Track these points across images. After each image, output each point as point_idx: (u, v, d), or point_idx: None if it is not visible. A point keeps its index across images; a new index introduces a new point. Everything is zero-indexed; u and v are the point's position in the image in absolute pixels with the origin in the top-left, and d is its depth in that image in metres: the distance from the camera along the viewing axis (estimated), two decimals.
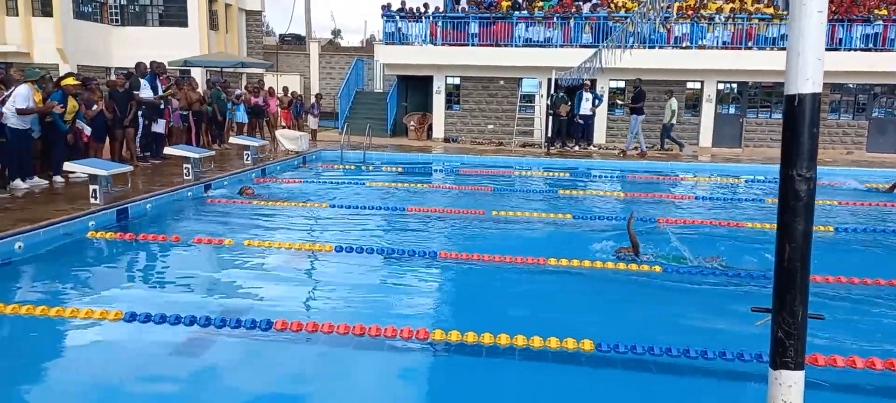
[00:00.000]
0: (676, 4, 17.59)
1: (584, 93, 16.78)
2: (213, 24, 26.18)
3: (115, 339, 4.32)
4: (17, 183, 8.62)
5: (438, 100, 19.51)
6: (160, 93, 11.87)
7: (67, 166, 8.47)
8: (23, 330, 4.45)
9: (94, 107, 10.22)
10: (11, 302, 4.71)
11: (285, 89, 19.38)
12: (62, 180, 9.26)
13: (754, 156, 16.51)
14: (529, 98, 19.04)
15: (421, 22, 18.95)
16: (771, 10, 18.36)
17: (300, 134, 15.41)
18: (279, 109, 18.50)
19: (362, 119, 18.76)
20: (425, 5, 19.48)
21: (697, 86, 18.76)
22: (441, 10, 19.67)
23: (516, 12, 18.68)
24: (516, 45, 18.40)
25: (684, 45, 17.91)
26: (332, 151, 14.93)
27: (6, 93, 8.40)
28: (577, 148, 16.94)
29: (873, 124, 18.37)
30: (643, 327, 4.67)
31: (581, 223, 8.23)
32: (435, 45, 18.78)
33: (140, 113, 11.41)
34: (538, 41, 18.37)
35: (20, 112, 8.32)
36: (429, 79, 19.53)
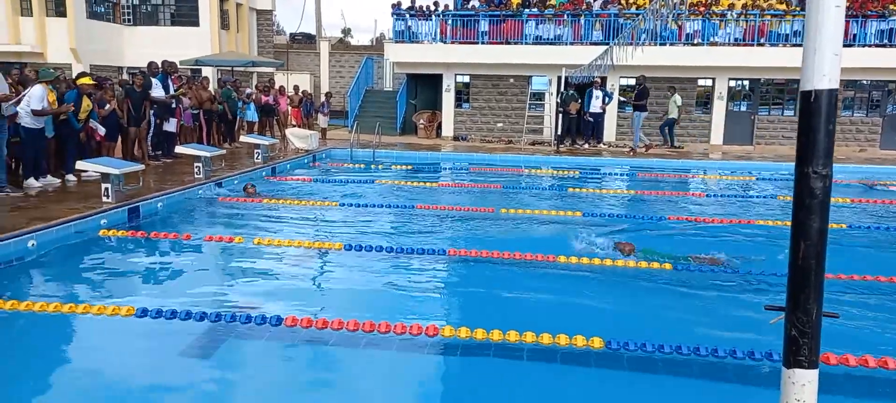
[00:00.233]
0: (688, 1, 17.46)
1: (595, 91, 16.70)
2: (224, 24, 26.30)
3: (126, 335, 4.35)
4: (31, 181, 8.71)
5: (448, 99, 19.49)
6: (172, 92, 11.95)
7: (80, 165, 8.54)
8: (36, 326, 4.49)
9: (107, 106, 10.30)
10: (25, 299, 4.75)
11: (296, 88, 19.45)
12: (75, 179, 9.34)
13: (766, 154, 16.37)
14: (539, 96, 18.98)
15: (431, 20, 18.94)
16: (783, 7, 18.19)
17: (310, 132, 15.45)
18: (290, 108, 18.56)
19: (372, 117, 18.78)
20: (435, 3, 19.46)
21: (709, 83, 18.63)
22: (451, 7, 19.64)
23: (526, 10, 18.62)
24: (526, 43, 18.35)
25: (696, 41, 17.78)
26: (341, 150, 14.96)
27: (22, 94, 8.48)
28: (586, 146, 16.87)
29: (887, 121, 18.15)
30: (653, 325, 4.64)
31: (591, 221, 8.20)
32: (445, 43, 18.76)
33: (152, 112, 11.49)
34: (548, 38, 18.30)
35: (35, 113, 8.40)
36: (438, 78, 19.51)
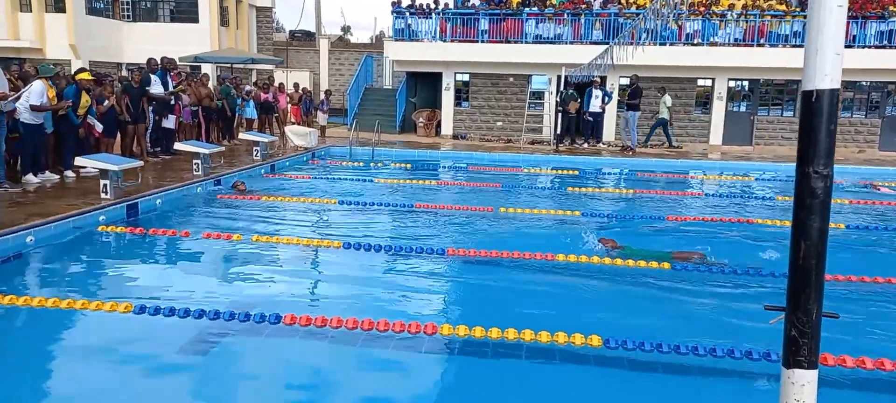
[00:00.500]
0: (688, 1, 17.46)
1: (594, 91, 16.70)
2: (223, 21, 26.27)
3: (124, 332, 4.34)
4: (30, 177, 8.69)
5: (447, 97, 19.48)
6: (171, 88, 11.93)
7: (78, 161, 8.53)
8: (34, 322, 4.49)
9: (106, 102, 10.29)
10: (23, 294, 4.75)
11: (296, 85, 19.43)
12: (73, 175, 9.32)
13: (765, 155, 16.39)
14: (539, 95, 18.98)
15: (430, 18, 18.93)
16: (783, 7, 18.20)
17: (309, 130, 15.44)
18: (289, 105, 18.55)
19: (371, 115, 18.77)
20: (435, 2, 19.45)
21: (708, 83, 18.64)
22: (451, 6, 19.63)
23: (526, 8, 18.61)
24: (526, 42, 18.34)
25: (696, 41, 17.78)
26: (341, 148, 14.95)
27: (22, 90, 8.46)
28: (586, 145, 16.88)
29: (887, 122, 18.17)
30: (652, 324, 4.64)
31: (589, 220, 8.20)
32: (444, 41, 18.75)
33: (151, 108, 11.47)
34: (548, 38, 18.29)
35: (33, 108, 8.39)
36: (438, 76, 19.50)
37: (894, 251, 7.10)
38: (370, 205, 8.70)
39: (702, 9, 17.94)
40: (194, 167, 10.04)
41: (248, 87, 17.01)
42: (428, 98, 20.35)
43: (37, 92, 8.40)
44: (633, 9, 17.98)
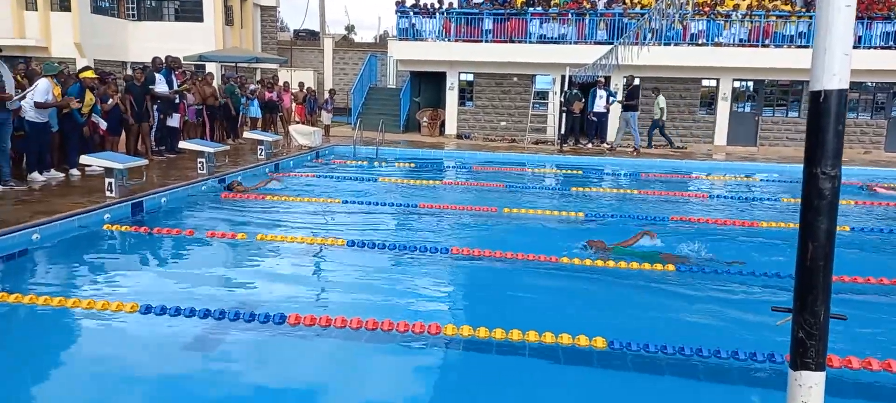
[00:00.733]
0: (693, 1, 17.42)
1: (598, 91, 16.68)
2: (228, 20, 26.31)
3: (129, 331, 4.35)
4: (35, 175, 8.72)
5: (451, 97, 19.48)
6: (175, 87, 11.96)
7: (84, 159, 8.56)
8: (38, 320, 4.50)
9: (110, 100, 10.32)
10: (28, 292, 4.76)
11: (301, 85, 19.45)
12: (78, 173, 9.35)
13: (770, 155, 16.33)
14: (543, 95, 18.95)
15: (435, 18, 18.92)
16: (788, 8, 18.13)
17: (313, 129, 15.45)
18: (293, 105, 18.57)
19: (375, 115, 18.78)
20: (439, 1, 19.45)
21: (713, 83, 18.58)
22: (455, 5, 19.62)
23: (530, 8, 18.59)
24: (530, 42, 18.32)
25: (700, 41, 17.74)
26: (345, 147, 14.96)
27: (28, 89, 8.49)
28: (590, 145, 16.85)
29: (893, 123, 18.09)
30: (656, 325, 4.63)
31: (593, 221, 8.18)
32: (448, 41, 18.74)
33: (155, 107, 11.50)
34: (552, 37, 18.27)
35: (38, 105, 8.41)
36: (442, 76, 19.50)
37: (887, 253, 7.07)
38: (374, 205, 8.70)
39: (707, 9, 17.89)
40: (199, 166, 10.06)
41: (252, 86, 17.04)
42: (432, 97, 20.35)
43: (42, 90, 8.43)
44: (638, 9, 17.94)
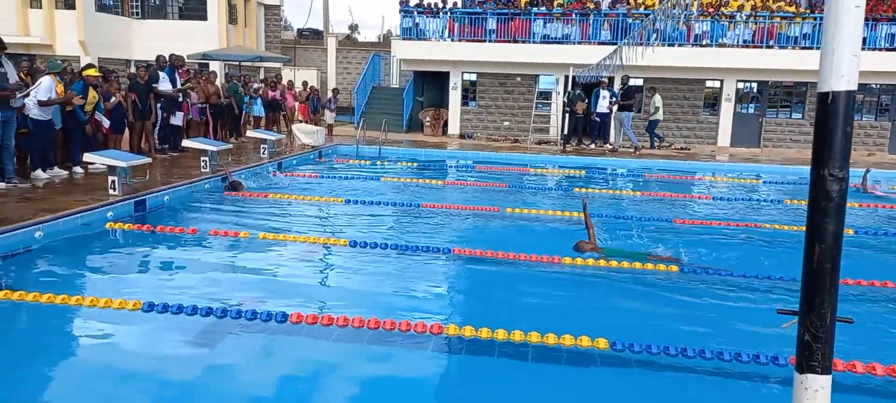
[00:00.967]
0: (696, 1, 17.37)
1: (602, 91, 16.65)
2: (231, 18, 26.34)
3: (132, 329, 4.35)
4: (38, 173, 8.73)
5: (454, 97, 19.46)
6: (179, 86, 11.96)
7: (87, 157, 8.56)
8: (41, 317, 4.50)
9: (112, 98, 10.33)
10: (32, 289, 4.76)
11: (304, 84, 19.45)
12: (82, 171, 9.36)
13: (773, 157, 16.29)
14: (546, 95, 18.93)
15: (438, 17, 18.91)
16: (792, 9, 18.08)
17: (316, 128, 15.45)
18: (296, 104, 18.58)
19: (378, 114, 18.77)
20: (443, 1, 19.43)
21: (717, 84, 18.54)
22: (459, 5, 19.61)
23: (534, 8, 18.56)
24: (534, 42, 18.29)
25: (704, 42, 17.69)
26: (347, 146, 14.96)
27: (32, 86, 8.51)
28: (593, 146, 16.83)
29: None
30: (659, 327, 4.62)
31: (596, 221, 8.15)
32: (452, 40, 18.73)
33: (159, 105, 11.51)
34: (556, 38, 18.25)
35: (41, 103, 8.43)
36: (445, 75, 19.49)
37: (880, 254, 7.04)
38: (376, 204, 8.70)
39: (711, 10, 17.84)
40: (202, 164, 10.07)
41: (255, 85, 17.04)
42: (435, 97, 20.34)
43: (45, 88, 8.44)
44: (642, 9, 17.91)
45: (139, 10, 25.70)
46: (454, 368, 4.07)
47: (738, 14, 17.73)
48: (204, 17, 25.39)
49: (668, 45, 17.13)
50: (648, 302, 5.26)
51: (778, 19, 17.53)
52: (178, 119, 12.05)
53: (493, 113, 19.49)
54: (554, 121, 18.43)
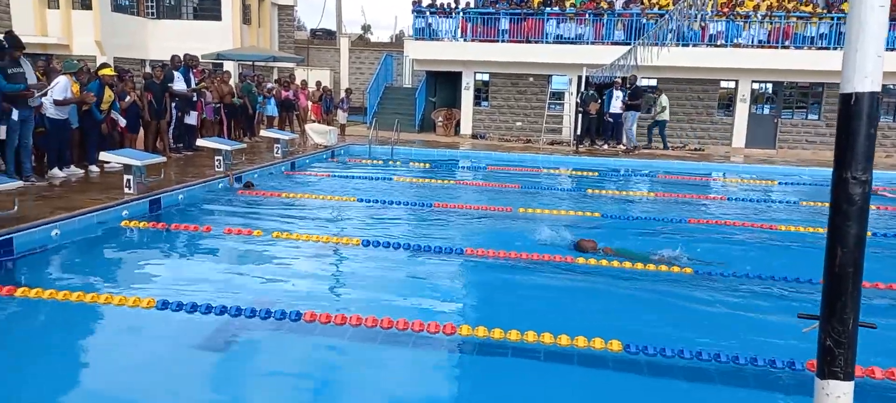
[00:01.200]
0: (711, 1, 17.21)
1: (615, 92, 16.55)
2: (245, 18, 26.50)
3: (147, 327, 4.38)
4: (55, 171, 8.83)
5: (467, 97, 19.45)
6: (193, 85, 12.05)
7: (103, 156, 8.65)
8: (57, 314, 4.55)
9: (128, 98, 10.42)
10: (48, 287, 4.81)
11: (317, 84, 19.52)
12: (97, 170, 9.45)
13: (788, 158, 16.11)
14: (559, 95, 18.87)
15: (451, 18, 18.90)
16: (809, 9, 17.87)
17: (329, 128, 15.51)
18: (309, 103, 18.64)
19: (391, 114, 18.79)
20: (456, 1, 19.41)
21: (732, 85, 18.38)
22: (472, 5, 19.59)
23: (547, 8, 18.50)
24: (547, 42, 18.23)
25: (719, 42, 17.54)
26: (360, 146, 14.99)
27: (48, 86, 8.60)
28: (606, 146, 16.74)
29: None
30: (673, 329, 4.57)
31: (609, 222, 8.12)
32: (465, 40, 18.71)
33: (173, 105, 11.60)
34: (569, 38, 18.17)
35: (57, 102, 8.52)
36: (457, 76, 19.48)
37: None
38: (389, 204, 8.70)
39: (726, 10, 17.68)
40: (216, 163, 10.13)
41: (269, 85, 17.13)
42: (447, 97, 20.34)
43: (61, 87, 8.53)
44: (656, 9, 17.79)
45: (154, 11, 25.93)
46: (467, 369, 4.05)
47: (754, 14, 17.56)
48: (218, 18, 25.57)
49: (683, 46, 17.00)
50: (662, 304, 5.21)
51: (794, 19, 17.34)
52: (192, 118, 12.14)
53: (506, 113, 19.45)
54: (567, 121, 18.35)
